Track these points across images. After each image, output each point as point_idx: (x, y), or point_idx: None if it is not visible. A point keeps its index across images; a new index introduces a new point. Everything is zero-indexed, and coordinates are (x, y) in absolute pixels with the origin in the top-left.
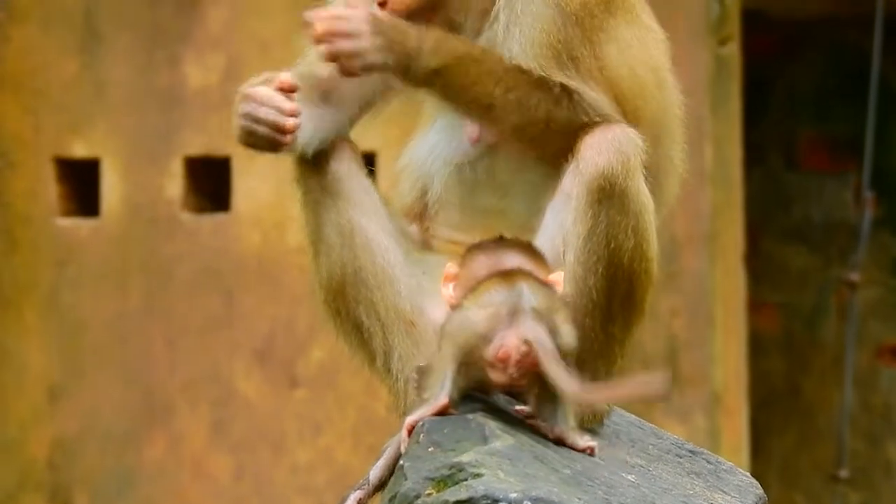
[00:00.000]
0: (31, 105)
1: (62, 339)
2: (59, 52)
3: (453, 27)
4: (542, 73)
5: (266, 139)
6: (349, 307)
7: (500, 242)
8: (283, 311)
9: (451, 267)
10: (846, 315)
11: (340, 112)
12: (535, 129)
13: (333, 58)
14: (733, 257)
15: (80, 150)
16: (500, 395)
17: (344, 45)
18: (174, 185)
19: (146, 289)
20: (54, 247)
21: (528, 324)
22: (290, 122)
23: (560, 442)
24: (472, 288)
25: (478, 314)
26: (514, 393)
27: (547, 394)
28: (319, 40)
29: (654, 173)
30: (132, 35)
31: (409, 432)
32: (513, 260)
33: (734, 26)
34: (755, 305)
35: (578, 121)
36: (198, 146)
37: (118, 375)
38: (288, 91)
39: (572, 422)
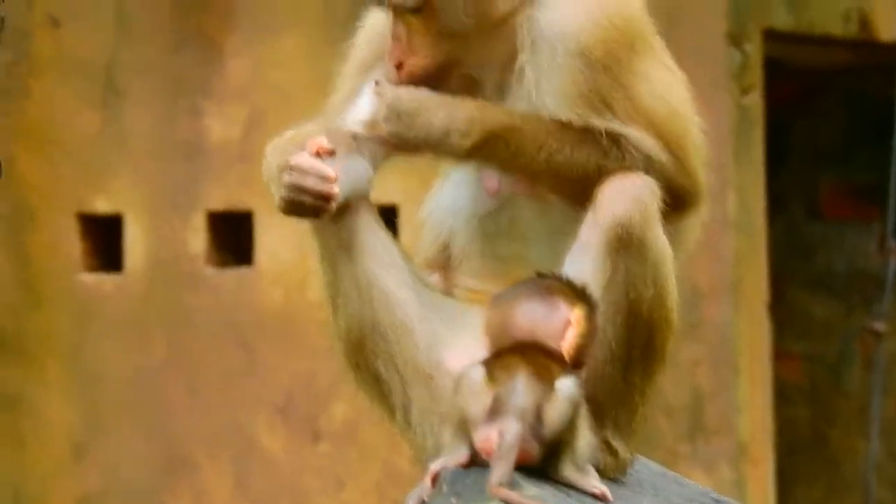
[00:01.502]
0: (53, 158)
1: (85, 393)
2: (80, 105)
3: (473, 83)
4: (585, 125)
5: (312, 208)
6: (368, 361)
7: (521, 290)
8: (305, 365)
9: (483, 315)
10: (871, 364)
11: (365, 165)
12: (587, 182)
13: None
14: (757, 306)
15: (102, 205)
16: None
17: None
18: (197, 239)
19: (169, 343)
20: (77, 302)
21: (509, 423)
22: (334, 189)
23: (572, 486)
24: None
25: (469, 400)
26: None
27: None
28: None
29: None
30: (153, 87)
31: (433, 480)
32: (523, 307)
33: (756, 75)
34: (779, 355)
35: (630, 166)
36: (220, 200)
37: (141, 430)
38: (326, 155)
39: (582, 466)
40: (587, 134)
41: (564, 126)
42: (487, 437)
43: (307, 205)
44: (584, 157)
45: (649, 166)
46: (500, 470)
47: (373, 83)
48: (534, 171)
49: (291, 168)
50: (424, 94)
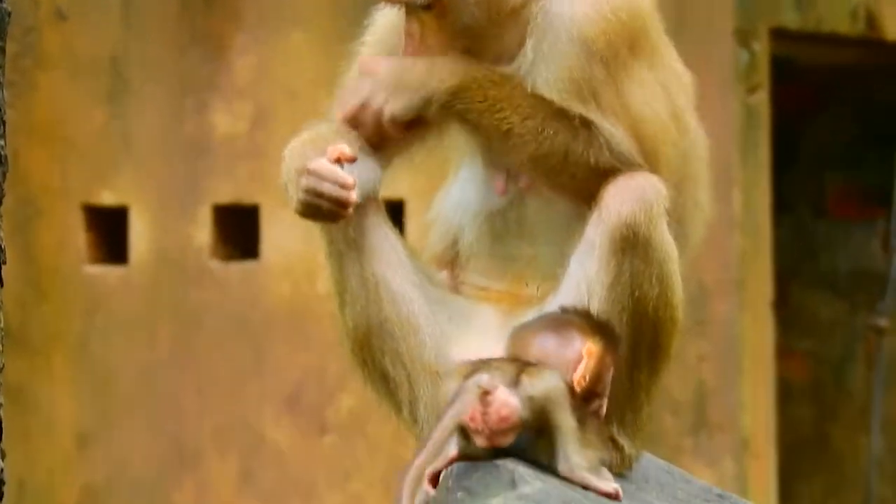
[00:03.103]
0: (59, 153)
1: (91, 386)
2: (87, 101)
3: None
4: (562, 105)
5: (329, 213)
6: (375, 357)
7: (538, 322)
8: (313, 358)
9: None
10: (874, 362)
11: (375, 165)
12: (553, 161)
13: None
14: (762, 305)
15: (108, 199)
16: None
17: (369, 113)
18: (203, 233)
19: (175, 336)
20: (83, 295)
21: (484, 378)
22: (352, 196)
23: (584, 486)
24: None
25: (451, 385)
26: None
27: (549, 441)
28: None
29: (677, 218)
30: (160, 83)
31: (433, 481)
32: (538, 340)
33: (763, 75)
34: (783, 353)
35: (597, 156)
36: (226, 194)
37: (147, 423)
38: (347, 162)
39: (586, 463)
40: (562, 111)
41: (543, 100)
42: (464, 402)
43: (324, 209)
44: (552, 130)
45: (617, 159)
46: (459, 403)
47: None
48: (505, 131)
49: (310, 173)
50: (409, 59)
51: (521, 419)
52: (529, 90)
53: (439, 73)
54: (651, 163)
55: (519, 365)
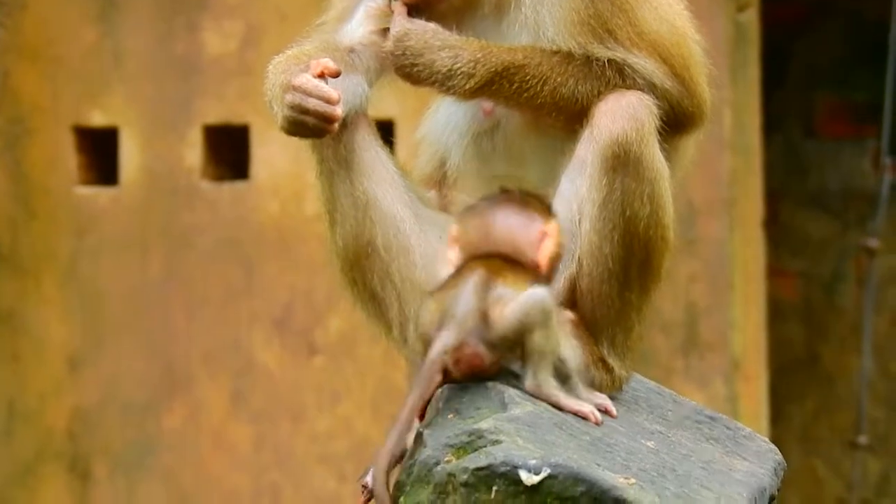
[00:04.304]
0: (49, 73)
1: (81, 308)
2: (77, 21)
3: (473, 4)
4: (586, 54)
5: (314, 129)
6: (365, 277)
7: (493, 199)
8: (302, 279)
9: (453, 229)
10: (865, 282)
11: (361, 81)
12: (581, 107)
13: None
14: (752, 224)
15: (98, 119)
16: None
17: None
18: (193, 153)
19: (165, 257)
20: (73, 216)
21: (453, 330)
22: (337, 111)
23: (553, 404)
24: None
25: (424, 316)
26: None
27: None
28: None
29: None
30: (150, 3)
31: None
32: (499, 217)
33: None
34: (774, 272)
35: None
36: (216, 114)
37: (137, 345)
38: (331, 76)
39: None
40: (590, 65)
41: (567, 58)
42: (434, 351)
43: (309, 125)
44: (587, 89)
45: (654, 92)
46: (419, 387)
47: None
48: (538, 104)
49: (294, 88)
50: (430, 32)
51: (493, 361)
52: (549, 51)
53: (463, 65)
54: (685, 79)
55: (481, 298)
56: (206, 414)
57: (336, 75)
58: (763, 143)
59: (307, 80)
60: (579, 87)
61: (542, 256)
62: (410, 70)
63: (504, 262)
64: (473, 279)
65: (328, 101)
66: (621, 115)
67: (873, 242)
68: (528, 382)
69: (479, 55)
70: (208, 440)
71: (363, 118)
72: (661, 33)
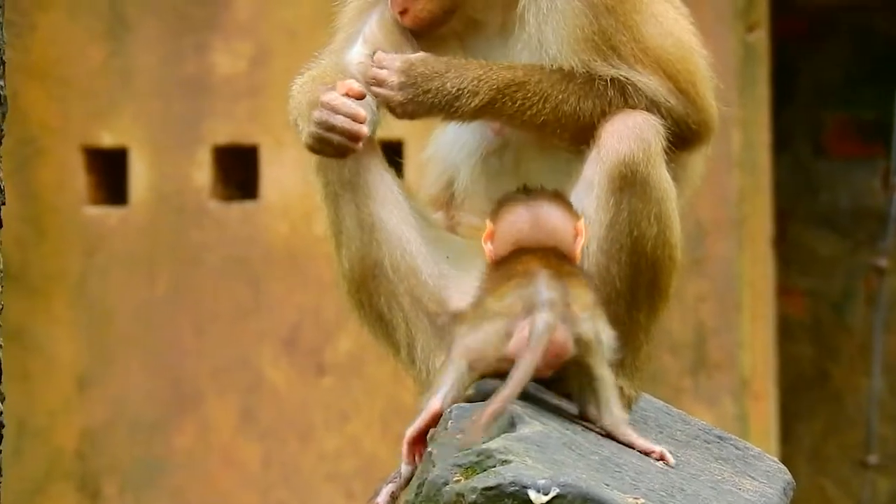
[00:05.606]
0: (59, 94)
1: (90, 327)
2: (87, 40)
3: (476, 25)
4: (589, 71)
5: (339, 146)
6: (372, 299)
7: (529, 194)
8: (311, 299)
9: (489, 224)
10: (874, 301)
11: (371, 104)
12: (591, 129)
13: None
14: (761, 243)
15: (107, 139)
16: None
17: (380, 92)
18: (202, 173)
19: (174, 277)
20: (82, 235)
21: (543, 316)
22: (364, 129)
23: (628, 444)
24: (494, 285)
25: (494, 325)
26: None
27: (587, 385)
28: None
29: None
30: (159, 22)
31: (410, 446)
32: (543, 210)
33: (762, 12)
34: (783, 291)
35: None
36: (226, 134)
37: (146, 364)
38: (356, 97)
39: (621, 413)
40: (591, 83)
41: (568, 76)
42: (521, 334)
43: (334, 143)
44: (590, 106)
45: (657, 110)
46: (530, 356)
47: (374, 55)
48: (541, 123)
49: (323, 105)
50: (430, 58)
51: (569, 359)
52: (551, 69)
53: (468, 83)
54: (692, 94)
55: (559, 291)
56: (215, 432)
57: (361, 97)
58: (772, 162)
59: (336, 98)
60: (581, 104)
61: (579, 251)
62: (423, 98)
63: (553, 255)
64: (541, 273)
65: (355, 119)
66: (628, 136)
67: (883, 262)
68: (606, 419)
69: (480, 73)
70: (217, 458)
71: (368, 141)
72: (666, 48)
